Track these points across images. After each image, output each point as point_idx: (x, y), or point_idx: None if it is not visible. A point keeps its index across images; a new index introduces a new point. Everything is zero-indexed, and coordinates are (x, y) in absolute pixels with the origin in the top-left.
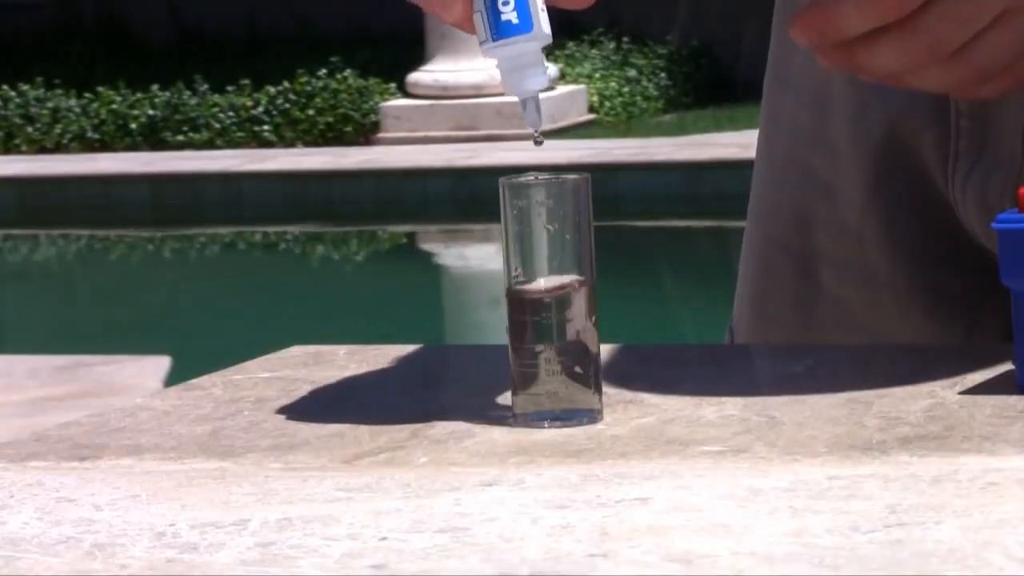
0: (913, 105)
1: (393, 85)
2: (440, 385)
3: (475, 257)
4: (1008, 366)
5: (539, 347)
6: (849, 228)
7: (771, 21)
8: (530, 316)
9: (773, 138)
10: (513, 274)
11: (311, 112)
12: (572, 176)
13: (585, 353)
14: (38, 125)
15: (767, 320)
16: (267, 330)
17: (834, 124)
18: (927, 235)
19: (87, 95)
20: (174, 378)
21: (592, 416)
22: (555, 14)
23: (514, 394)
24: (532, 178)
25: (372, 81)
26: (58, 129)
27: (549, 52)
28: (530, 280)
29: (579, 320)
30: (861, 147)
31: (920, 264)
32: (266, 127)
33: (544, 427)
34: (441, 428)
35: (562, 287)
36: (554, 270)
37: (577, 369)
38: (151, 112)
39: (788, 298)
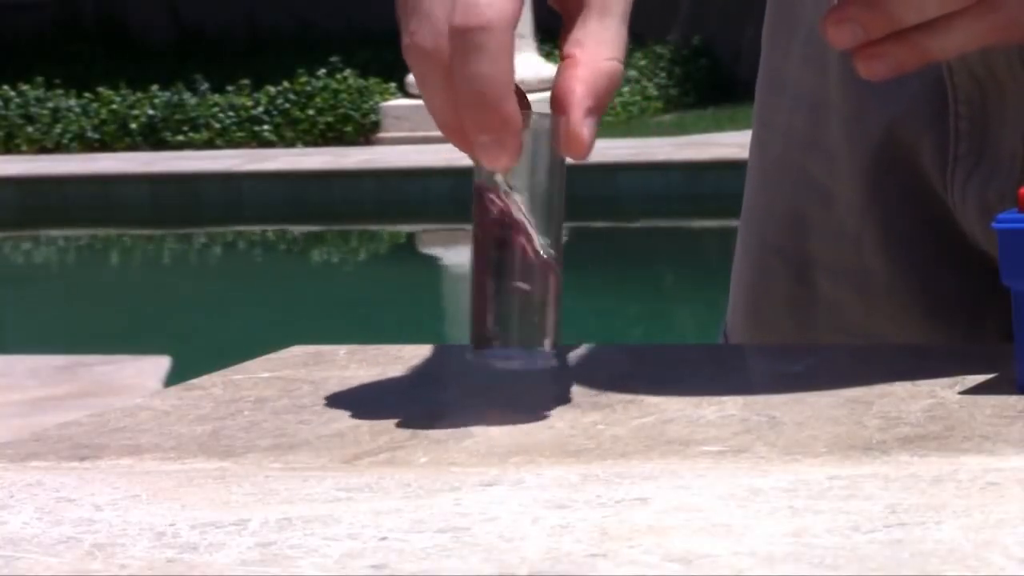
0: (911, 108)
1: (393, 85)
2: (440, 385)
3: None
4: (1008, 366)
5: (496, 282)
6: (846, 232)
7: None
8: (490, 251)
9: (766, 142)
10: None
11: (311, 112)
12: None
13: (542, 291)
14: (38, 125)
15: (762, 324)
16: (267, 330)
17: (830, 128)
18: (926, 239)
19: (87, 95)
20: (174, 378)
21: (547, 358)
22: (555, 15)
23: (472, 330)
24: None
25: (372, 81)
26: (58, 129)
27: (549, 53)
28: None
29: (537, 257)
30: (858, 151)
31: (918, 269)
32: (266, 127)
33: (497, 366)
34: (441, 428)
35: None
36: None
37: (533, 306)
38: (151, 112)
39: (783, 303)
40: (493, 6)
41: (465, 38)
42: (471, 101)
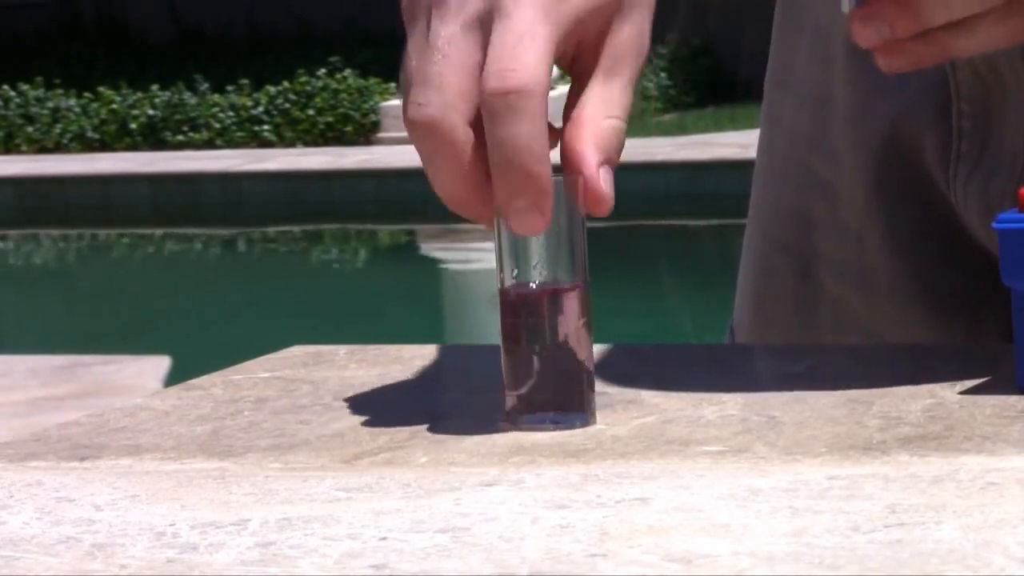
0: (914, 106)
1: (393, 85)
2: (440, 385)
3: (475, 257)
4: (1008, 366)
5: (530, 348)
6: (849, 230)
7: (772, 21)
8: (522, 317)
9: (772, 139)
10: (505, 275)
11: (311, 112)
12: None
13: (577, 355)
14: (38, 125)
15: (767, 321)
16: (267, 330)
17: (834, 126)
18: (928, 237)
19: (87, 95)
20: (174, 378)
21: (584, 419)
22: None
23: (506, 396)
24: None
25: (372, 81)
26: (58, 129)
27: None
28: (522, 281)
29: (571, 322)
30: (862, 149)
31: (921, 266)
32: (266, 127)
33: (535, 430)
34: (441, 428)
35: (554, 288)
36: (547, 271)
37: (568, 371)
38: (151, 112)
39: (788, 299)
40: (528, 69)
41: (504, 101)
42: (508, 165)
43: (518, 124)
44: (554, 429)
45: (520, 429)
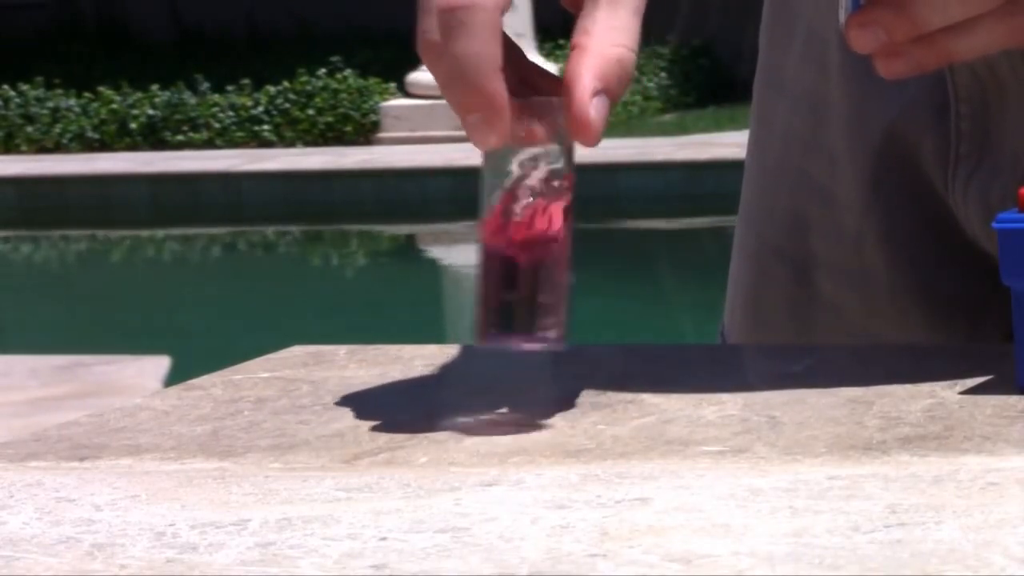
0: (912, 108)
1: (393, 85)
2: (440, 385)
3: (475, 257)
4: (1008, 366)
5: (506, 261)
6: (847, 233)
7: None
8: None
9: (765, 143)
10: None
11: (311, 112)
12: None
13: (553, 276)
14: (38, 125)
15: (761, 326)
16: (267, 330)
17: (830, 128)
18: (927, 240)
19: (87, 95)
20: (174, 378)
21: (554, 343)
22: (554, 15)
23: (478, 312)
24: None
25: (372, 81)
26: (58, 129)
27: (549, 53)
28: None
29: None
30: (859, 151)
31: (919, 269)
32: (266, 127)
33: (503, 349)
34: (441, 428)
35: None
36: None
37: (542, 291)
38: (151, 112)
39: (784, 304)
40: None
41: (449, 16)
42: (457, 80)
43: (466, 39)
44: (523, 349)
45: (488, 345)
